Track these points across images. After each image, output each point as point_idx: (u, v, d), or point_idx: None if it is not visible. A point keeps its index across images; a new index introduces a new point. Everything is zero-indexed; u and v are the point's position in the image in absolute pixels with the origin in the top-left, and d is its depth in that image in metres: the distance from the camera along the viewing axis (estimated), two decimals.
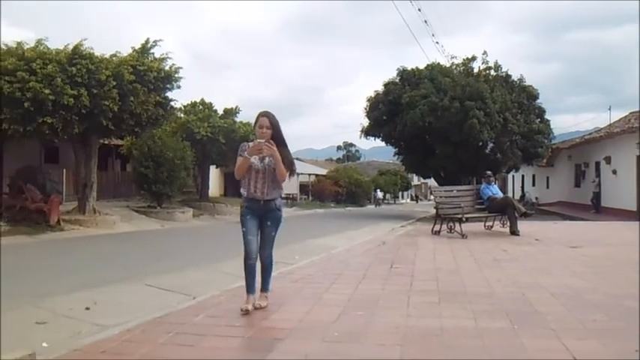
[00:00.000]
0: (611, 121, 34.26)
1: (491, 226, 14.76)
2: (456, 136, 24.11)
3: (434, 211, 16.43)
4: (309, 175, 49.76)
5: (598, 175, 27.97)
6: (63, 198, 18.80)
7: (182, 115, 27.01)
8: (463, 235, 12.78)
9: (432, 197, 30.36)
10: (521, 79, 28.01)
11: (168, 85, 17.72)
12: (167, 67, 17.29)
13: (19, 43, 15.64)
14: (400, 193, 76.37)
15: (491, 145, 26.02)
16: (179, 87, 18.03)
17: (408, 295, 6.14)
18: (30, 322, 5.28)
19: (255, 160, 5.17)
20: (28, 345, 4.39)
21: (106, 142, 21.26)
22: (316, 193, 47.57)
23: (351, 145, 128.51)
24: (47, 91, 14.05)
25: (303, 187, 48.43)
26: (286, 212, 28.19)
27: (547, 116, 28.11)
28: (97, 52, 16.01)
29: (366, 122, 30.15)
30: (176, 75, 17.59)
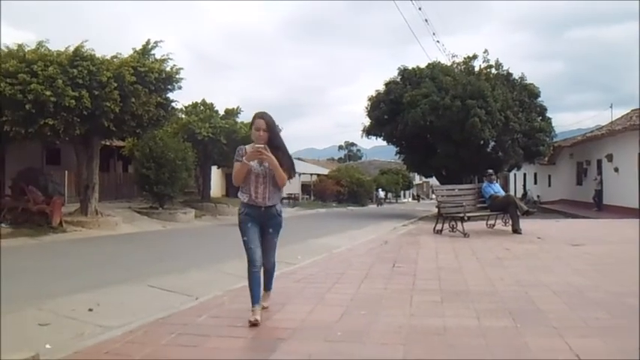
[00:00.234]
0: (613, 119, 34.22)
1: (494, 225, 14.76)
2: (457, 135, 24.08)
3: (436, 210, 16.43)
4: (311, 174, 49.79)
5: (600, 172, 27.94)
6: (65, 199, 18.81)
7: (183, 116, 27.01)
8: (465, 234, 12.78)
9: (433, 196, 30.36)
10: (522, 78, 27.96)
11: (169, 86, 17.72)
12: (168, 68, 17.29)
13: (20, 45, 15.66)
14: (402, 193, 76.35)
15: (492, 143, 26.00)
16: (180, 88, 18.05)
17: (410, 294, 6.14)
18: (33, 324, 5.28)
19: (254, 163, 4.96)
20: (31, 346, 4.40)
21: (108, 143, 21.26)
22: (318, 192, 47.60)
23: (353, 144, 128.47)
24: (48, 93, 14.06)
25: (305, 187, 48.46)
26: (288, 212, 28.28)
27: (548, 114, 28.07)
28: (98, 54, 16.02)
29: (367, 122, 30.13)
30: (177, 76, 17.59)
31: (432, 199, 58.74)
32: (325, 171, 55.53)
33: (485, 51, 28.51)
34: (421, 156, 28.70)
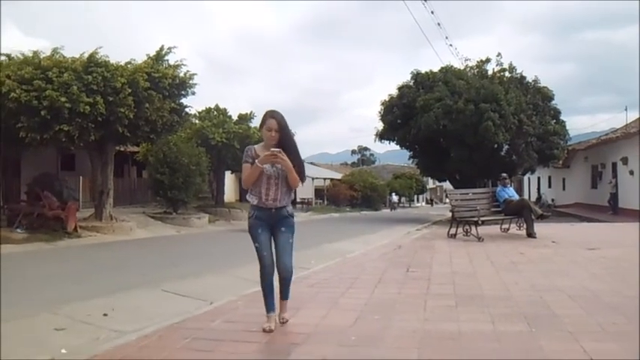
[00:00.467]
0: (628, 122, 33.99)
1: (508, 229, 14.70)
2: (470, 139, 24.01)
3: (449, 214, 16.38)
4: (324, 179, 49.76)
5: (615, 176, 27.75)
6: (80, 205, 18.95)
7: (197, 121, 27.10)
8: (479, 238, 12.73)
9: (447, 200, 30.29)
10: (535, 81, 27.86)
11: (182, 92, 17.80)
12: (182, 74, 17.37)
13: (35, 53, 15.79)
14: (415, 197, 76.18)
15: (506, 147, 25.91)
16: (194, 93, 18.14)
17: (424, 299, 6.12)
18: (49, 329, 5.31)
19: (266, 165, 4.68)
20: (47, 351, 4.44)
21: (122, 149, 21.39)
22: (331, 197, 47.56)
23: (366, 149, 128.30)
24: (63, 99, 14.16)
25: (319, 192, 48.43)
26: (301, 217, 28.35)
27: (562, 117, 27.96)
28: (112, 60, 16.13)
29: (380, 126, 30.14)
30: (191, 81, 17.68)
31: (445, 203, 58.58)
32: (338, 175, 55.49)
33: (499, 54, 28.47)
34: (434, 160, 28.66)
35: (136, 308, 6.33)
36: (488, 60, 28.62)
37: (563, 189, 39.65)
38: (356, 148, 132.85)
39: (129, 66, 16.39)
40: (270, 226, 4.83)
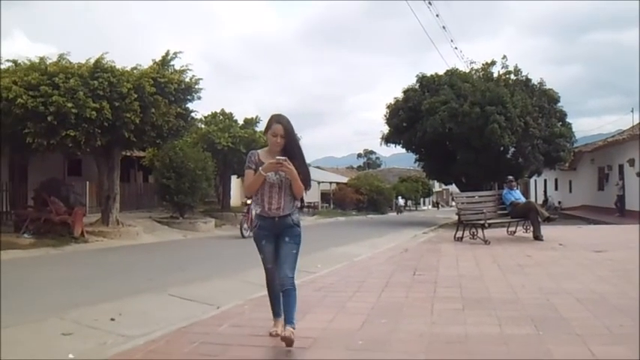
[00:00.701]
0: (634, 123, 33.90)
1: (514, 232, 14.67)
2: (476, 142, 23.99)
3: (456, 217, 16.36)
4: (330, 183, 49.75)
5: (622, 178, 27.67)
6: (86, 210, 18.97)
7: (203, 126, 27.14)
8: (486, 241, 12.72)
9: (453, 203, 30.24)
10: (541, 83, 27.82)
11: (188, 97, 17.83)
12: (187, 79, 17.39)
13: (41, 59, 15.84)
14: (422, 200, 76.10)
15: (512, 149, 25.87)
16: (199, 98, 18.16)
17: (431, 302, 6.12)
18: (56, 334, 5.32)
19: (269, 172, 4.46)
20: (54, 356, 4.45)
21: (128, 154, 21.42)
22: (337, 201, 47.54)
23: (372, 152, 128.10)
24: (70, 105, 14.19)
25: (325, 196, 48.41)
26: (308, 221, 28.33)
27: (569, 119, 27.93)
28: (118, 65, 16.15)
29: (386, 129, 30.18)
30: (196, 86, 17.69)
31: (451, 206, 58.50)
32: (344, 179, 55.45)
33: (504, 57, 28.48)
34: (440, 163, 28.66)
35: (143, 313, 6.33)
36: (493, 63, 28.60)
37: (570, 191, 39.56)
38: (362, 152, 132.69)
39: (135, 71, 16.42)
40: (275, 235, 4.60)
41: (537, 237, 13.14)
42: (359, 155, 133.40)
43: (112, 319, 5.86)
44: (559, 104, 27.70)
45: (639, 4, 78.86)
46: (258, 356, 4.22)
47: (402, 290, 6.93)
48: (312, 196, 41.39)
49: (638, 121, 33.82)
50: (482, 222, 13.02)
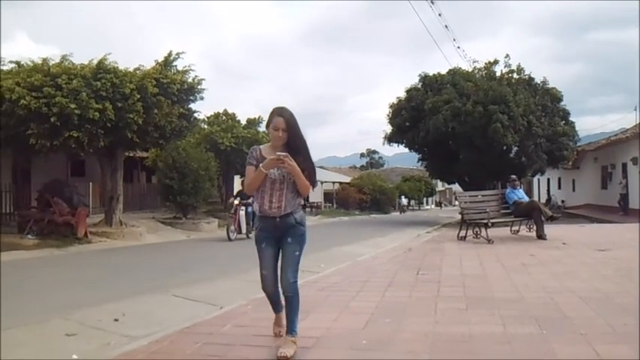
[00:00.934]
0: (638, 121, 33.83)
1: (518, 231, 14.66)
2: (479, 141, 23.96)
3: (459, 216, 16.35)
4: (333, 183, 49.75)
5: (625, 176, 27.62)
6: (90, 211, 18.98)
7: (205, 127, 27.18)
8: (489, 241, 12.70)
9: (456, 203, 30.22)
10: (544, 82, 27.77)
11: (191, 97, 17.85)
12: (190, 79, 17.40)
13: (44, 60, 15.86)
14: (425, 199, 76.08)
15: (515, 148, 25.81)
16: (202, 98, 18.18)
17: (435, 301, 6.11)
18: (60, 334, 5.33)
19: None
20: (58, 357, 4.46)
21: (131, 154, 21.45)
22: (340, 200, 47.54)
23: (375, 152, 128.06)
24: (73, 106, 14.21)
25: (328, 195, 48.42)
26: (311, 220, 28.27)
27: (572, 118, 27.86)
28: (121, 66, 16.20)
29: (388, 129, 30.15)
30: (199, 86, 17.70)
31: (454, 205, 58.45)
32: (347, 179, 55.46)
33: (507, 56, 28.38)
34: (443, 162, 28.63)
35: (147, 313, 6.34)
36: (496, 62, 28.54)
37: (573, 190, 39.50)
38: (364, 152, 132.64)
39: (137, 72, 16.44)
40: (277, 237, 4.33)
41: (541, 236, 13.13)
42: (362, 155, 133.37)
43: (116, 320, 5.87)
44: (562, 103, 27.65)
45: (639, 4, 78.56)
46: (262, 356, 4.22)
47: (405, 290, 6.93)
48: (315, 195, 41.42)
49: None
50: (485, 221, 13.00)
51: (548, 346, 4.23)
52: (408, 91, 28.99)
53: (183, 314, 5.99)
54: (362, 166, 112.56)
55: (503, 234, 14.21)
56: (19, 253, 12.71)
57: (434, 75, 29.04)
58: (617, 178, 28.92)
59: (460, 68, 29.53)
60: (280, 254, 4.37)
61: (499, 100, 23.71)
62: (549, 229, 13.75)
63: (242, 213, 17.24)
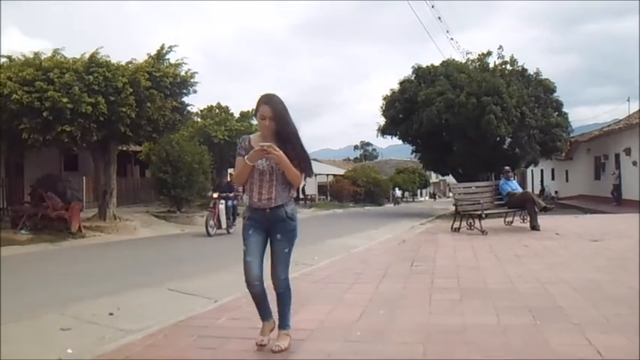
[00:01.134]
0: (630, 112, 33.91)
1: (511, 222, 14.71)
2: (473, 132, 23.98)
3: (453, 208, 16.38)
4: (327, 175, 49.77)
5: (618, 167, 27.71)
6: (83, 205, 18.95)
7: (199, 120, 27.15)
8: (483, 232, 12.74)
9: (450, 194, 30.28)
10: (537, 73, 27.77)
11: (184, 90, 17.79)
12: (183, 73, 17.34)
13: (36, 54, 15.78)
14: (419, 191, 76.18)
15: (509, 140, 25.85)
16: (195, 92, 18.11)
17: (429, 292, 6.13)
18: (54, 329, 5.33)
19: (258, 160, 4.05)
20: (53, 351, 4.45)
21: (125, 148, 21.39)
22: (334, 193, 47.58)
23: (368, 144, 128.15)
24: (65, 100, 14.15)
25: (322, 188, 48.46)
26: (305, 213, 28.33)
27: (565, 109, 27.88)
28: (113, 60, 16.13)
29: (382, 121, 30.12)
30: (192, 80, 17.64)
31: (448, 197, 58.57)
32: (341, 171, 55.47)
33: (500, 47, 28.36)
34: (437, 154, 28.66)
35: (141, 307, 6.34)
36: (489, 53, 28.52)
37: (567, 181, 39.60)
38: (358, 144, 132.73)
39: (130, 65, 16.37)
40: (266, 229, 4.15)
41: (534, 227, 13.17)
42: (356, 147, 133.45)
43: (111, 314, 5.87)
44: (555, 94, 27.66)
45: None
46: (257, 349, 4.22)
47: (399, 281, 6.95)
48: (309, 188, 41.44)
49: (634, 110, 33.78)
50: (479, 212, 13.04)
51: (542, 336, 4.26)
52: (401, 83, 28.96)
53: (177, 308, 5.99)
54: (356, 159, 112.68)
55: (497, 225, 14.26)
56: (13, 249, 12.67)
57: (427, 67, 29.02)
58: (610, 168, 29.01)
59: (453, 60, 29.52)
60: (270, 248, 4.19)
61: (492, 92, 23.71)
62: (543, 219, 13.80)
63: (222, 207, 16.45)
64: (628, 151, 25.92)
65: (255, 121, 27.48)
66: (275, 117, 3.99)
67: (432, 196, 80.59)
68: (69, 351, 4.50)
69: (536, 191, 38.65)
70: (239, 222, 15.83)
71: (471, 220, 13.56)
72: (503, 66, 27.86)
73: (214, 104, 29.89)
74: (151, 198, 26.31)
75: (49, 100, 14.09)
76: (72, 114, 14.44)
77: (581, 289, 5.95)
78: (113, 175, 18.07)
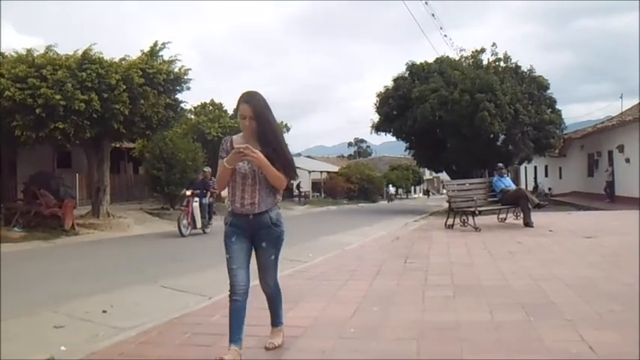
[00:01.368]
0: (623, 109, 34.00)
1: (505, 219, 14.72)
2: (467, 129, 24.03)
3: (447, 205, 16.41)
4: (321, 172, 49.77)
5: (611, 164, 27.76)
6: (77, 202, 18.90)
7: (192, 117, 27.13)
8: (477, 229, 12.76)
9: (444, 191, 30.34)
10: (531, 70, 27.86)
11: (177, 87, 17.75)
12: (176, 69, 17.31)
13: (29, 50, 15.72)
14: (412, 188, 76.22)
15: (502, 137, 25.92)
16: (189, 88, 18.08)
17: (423, 289, 6.14)
18: (48, 327, 5.32)
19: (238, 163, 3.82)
20: (46, 349, 4.44)
21: (118, 145, 21.33)
22: (328, 190, 47.57)
23: (362, 141, 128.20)
24: (58, 97, 14.11)
25: (315, 185, 48.45)
26: (299, 210, 28.35)
27: (558, 106, 28.00)
28: (106, 57, 16.07)
29: (376, 118, 30.16)
30: (185, 76, 17.62)
31: (442, 194, 58.65)
32: (335, 168, 55.47)
33: (494, 44, 28.44)
34: (431, 151, 28.72)
35: (135, 304, 6.33)
36: (483, 50, 28.61)
37: (560, 178, 39.67)
38: (352, 141, 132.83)
39: (123, 62, 16.33)
40: (250, 236, 3.92)
41: (528, 224, 13.19)
42: (350, 144, 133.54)
43: (104, 312, 5.87)
44: (549, 91, 27.76)
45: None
46: (251, 346, 4.22)
47: (393, 278, 6.95)
48: (303, 185, 41.45)
49: (627, 107, 33.87)
50: (472, 209, 13.06)
51: (535, 332, 4.27)
52: (395, 80, 29.00)
53: (171, 305, 5.99)
54: (350, 155, 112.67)
55: (490, 222, 14.27)
56: (6, 246, 12.62)
57: (421, 64, 29.07)
58: (604, 165, 29.06)
59: (447, 57, 29.59)
60: (255, 255, 4.01)
61: (486, 89, 23.77)
62: (536, 216, 13.83)
63: (195, 205, 15.53)
64: (621, 148, 25.98)
65: None
66: (256, 116, 3.77)
67: (426, 192, 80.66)
68: (62, 348, 4.49)
69: (530, 188, 38.72)
70: (216, 220, 15.60)
71: (464, 217, 13.58)
72: (497, 63, 27.94)
73: (208, 101, 29.89)
74: (145, 195, 26.27)
75: (42, 97, 14.04)
76: (65, 111, 14.40)
77: (575, 286, 5.97)
78: (106, 172, 18.03)
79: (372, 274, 7.26)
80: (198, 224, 15.61)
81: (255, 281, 4.08)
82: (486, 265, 7.85)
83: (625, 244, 9.48)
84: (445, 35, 31.18)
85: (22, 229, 14.76)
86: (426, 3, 25.65)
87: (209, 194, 16.05)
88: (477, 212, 13.03)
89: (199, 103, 29.62)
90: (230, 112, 29.04)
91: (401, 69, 29.68)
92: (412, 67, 28.94)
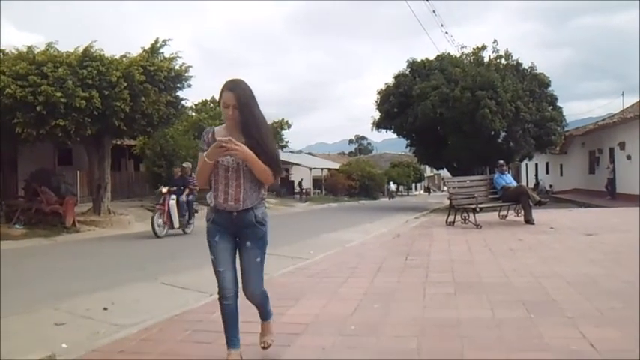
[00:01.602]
0: (625, 107, 33.97)
1: (506, 216, 14.71)
2: (468, 127, 24.01)
3: (447, 202, 16.40)
4: (322, 169, 49.77)
5: (612, 161, 27.76)
6: (78, 199, 18.91)
7: (193, 114, 27.10)
8: (477, 226, 12.75)
9: (445, 188, 30.35)
10: (532, 67, 27.81)
11: (178, 85, 17.77)
12: (177, 67, 17.32)
13: (29, 48, 15.74)
14: (413, 185, 76.23)
15: (503, 134, 25.88)
16: (189, 86, 18.11)
17: (423, 286, 6.14)
18: (49, 324, 5.32)
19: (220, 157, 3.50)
20: (47, 346, 4.44)
21: (119, 142, 21.35)
22: (329, 187, 47.56)
23: (363, 138, 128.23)
24: (59, 94, 14.12)
25: (317, 182, 48.46)
26: (300, 207, 28.33)
27: (559, 103, 27.95)
28: (107, 54, 16.09)
29: (377, 115, 30.15)
30: (186, 74, 17.63)
31: (443, 191, 58.62)
32: (336, 165, 55.46)
33: (495, 41, 28.40)
34: (432, 148, 28.71)
35: (136, 301, 6.33)
36: (484, 47, 28.55)
37: (561, 175, 39.66)
38: (353, 138, 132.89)
39: (124, 59, 16.35)
40: (233, 233, 3.65)
41: (528, 221, 13.18)
42: (350, 141, 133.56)
43: (105, 309, 5.86)
44: (550, 88, 27.71)
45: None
46: (251, 343, 4.21)
47: (394, 275, 6.95)
48: (304, 182, 41.45)
49: (629, 104, 33.85)
50: (473, 206, 13.05)
51: (536, 329, 4.26)
52: (396, 77, 28.99)
53: (172, 302, 5.99)
54: (351, 153, 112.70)
55: (491, 219, 14.26)
56: (7, 243, 12.65)
57: (422, 61, 29.06)
58: (605, 162, 29.05)
59: (448, 54, 29.60)
60: (239, 256, 3.72)
61: (487, 86, 23.75)
62: (537, 213, 13.81)
63: (172, 203, 14.48)
64: (622, 146, 25.97)
65: None
66: (239, 105, 3.45)
67: (427, 190, 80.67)
68: (63, 345, 4.49)
69: (531, 185, 38.68)
70: (198, 219, 15.12)
71: (465, 214, 13.57)
72: (498, 60, 27.89)
73: (209, 98, 29.85)
74: (146, 192, 26.26)
75: (43, 95, 14.06)
76: (66, 108, 14.41)
77: (575, 283, 5.96)
78: (107, 170, 18.05)
79: (372, 272, 7.26)
80: (176, 224, 14.63)
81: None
82: (487, 262, 7.84)
83: (626, 242, 9.47)
84: (446, 32, 31.24)
85: (23, 227, 14.79)
86: (427, 0, 25.58)
87: (187, 191, 15.01)
88: (477, 209, 13.02)
89: (200, 101, 29.63)
90: None
91: (401, 66, 29.72)
92: (413, 64, 28.94)
